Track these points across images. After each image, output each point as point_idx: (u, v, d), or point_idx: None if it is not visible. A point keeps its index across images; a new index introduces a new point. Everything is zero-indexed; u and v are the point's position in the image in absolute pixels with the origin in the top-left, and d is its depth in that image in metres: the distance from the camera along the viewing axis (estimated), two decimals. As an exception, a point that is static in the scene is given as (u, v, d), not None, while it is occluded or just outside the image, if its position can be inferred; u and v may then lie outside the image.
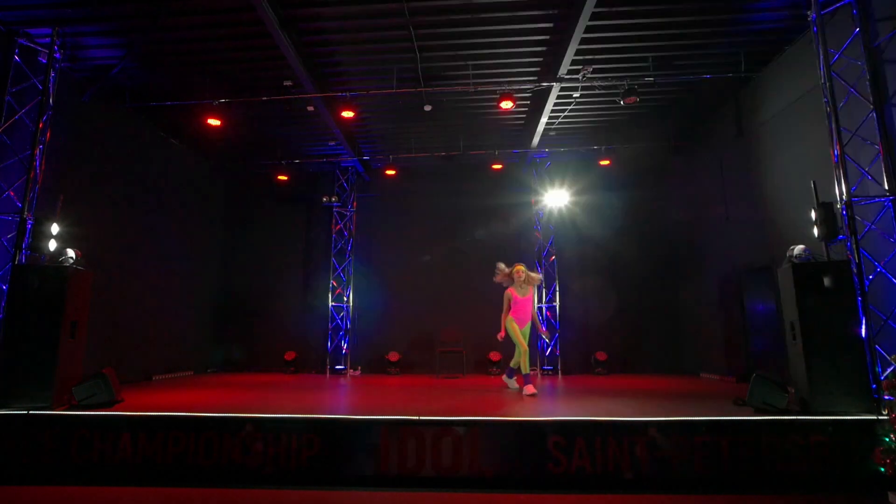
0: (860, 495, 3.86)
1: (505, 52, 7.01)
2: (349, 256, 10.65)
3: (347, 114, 7.75)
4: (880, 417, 4.14)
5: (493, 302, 10.67)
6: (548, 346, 9.90)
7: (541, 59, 7.15)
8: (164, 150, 9.19)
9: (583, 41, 6.34)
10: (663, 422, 4.17)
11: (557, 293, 10.05)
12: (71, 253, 5.44)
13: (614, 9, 6.04)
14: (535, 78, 7.55)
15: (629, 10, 6.13)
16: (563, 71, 6.85)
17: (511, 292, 6.77)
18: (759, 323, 7.53)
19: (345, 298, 10.46)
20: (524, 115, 8.85)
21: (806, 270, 4.76)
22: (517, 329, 6.61)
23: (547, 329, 7.05)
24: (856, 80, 5.14)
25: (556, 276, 10.11)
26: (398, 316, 10.56)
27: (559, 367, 9.72)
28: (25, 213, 5.63)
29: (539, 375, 9.39)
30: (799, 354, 4.72)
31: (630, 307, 10.22)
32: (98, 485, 4.24)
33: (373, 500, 3.90)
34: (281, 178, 10.29)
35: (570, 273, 10.43)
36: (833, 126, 5.11)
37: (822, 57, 5.29)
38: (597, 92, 7.75)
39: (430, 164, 10.77)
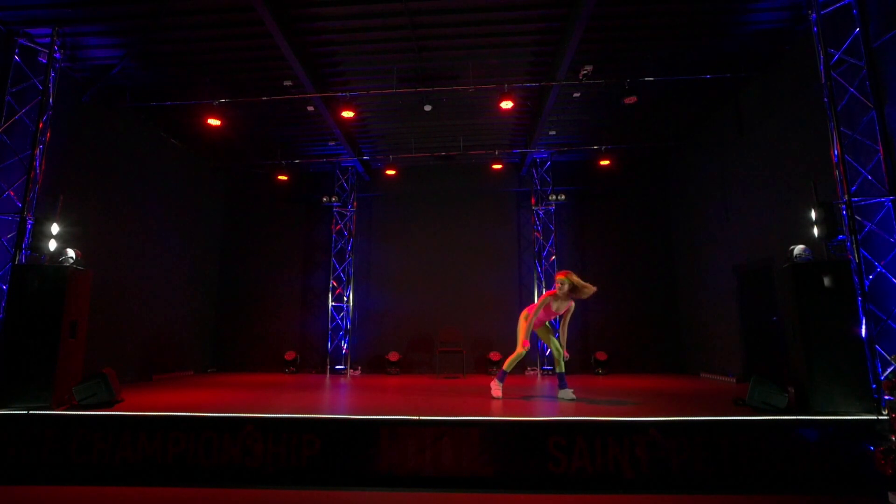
0: (860, 495, 3.86)
1: (505, 52, 7.01)
2: (349, 256, 10.65)
3: (347, 114, 7.75)
4: (880, 417, 4.14)
5: (493, 302, 10.83)
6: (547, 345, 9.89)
7: (541, 59, 7.15)
8: (164, 150, 9.19)
9: (583, 41, 6.34)
10: (663, 422, 4.16)
11: (557, 293, 10.03)
12: (71, 253, 5.43)
13: (614, 9, 6.05)
14: (535, 78, 7.55)
15: (629, 10, 6.13)
16: (562, 71, 6.85)
17: (549, 297, 5.94)
18: (758, 323, 7.53)
19: (345, 298, 10.46)
20: (524, 115, 8.85)
21: (806, 270, 4.76)
22: (529, 327, 5.93)
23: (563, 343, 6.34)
24: (856, 80, 5.13)
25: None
26: (398, 316, 10.56)
27: (559, 367, 9.70)
28: (25, 213, 5.63)
29: (539, 375, 9.40)
30: (799, 355, 4.72)
31: (630, 307, 10.22)
32: (98, 485, 4.23)
33: (373, 500, 3.89)
34: (281, 178, 10.29)
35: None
36: (833, 126, 5.12)
37: (822, 57, 5.29)
38: (597, 92, 7.76)
39: (430, 164, 10.77)
